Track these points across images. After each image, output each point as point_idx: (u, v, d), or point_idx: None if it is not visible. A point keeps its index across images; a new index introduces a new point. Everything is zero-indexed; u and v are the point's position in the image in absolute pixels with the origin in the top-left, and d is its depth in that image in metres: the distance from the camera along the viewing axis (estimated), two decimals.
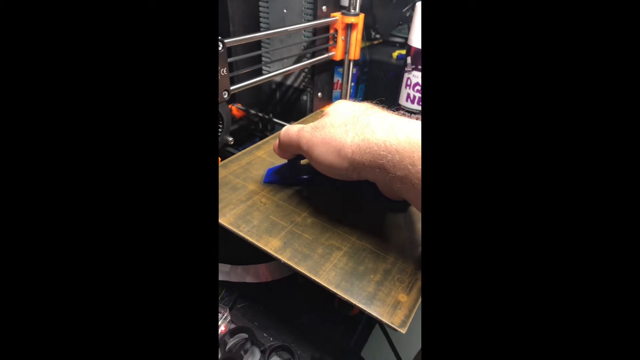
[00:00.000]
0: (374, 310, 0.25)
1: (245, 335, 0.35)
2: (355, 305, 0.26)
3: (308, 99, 0.58)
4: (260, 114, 0.60)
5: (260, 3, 0.55)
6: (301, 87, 0.58)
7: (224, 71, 0.35)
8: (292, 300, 0.40)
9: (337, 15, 0.51)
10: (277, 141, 0.34)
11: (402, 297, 0.26)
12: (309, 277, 0.27)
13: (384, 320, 0.24)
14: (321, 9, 0.49)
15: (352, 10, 0.50)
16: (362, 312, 0.26)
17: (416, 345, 0.34)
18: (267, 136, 0.50)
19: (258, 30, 0.57)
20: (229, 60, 0.36)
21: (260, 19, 0.56)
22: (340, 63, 0.55)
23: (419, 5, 0.52)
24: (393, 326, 0.24)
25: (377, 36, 0.79)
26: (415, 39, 0.52)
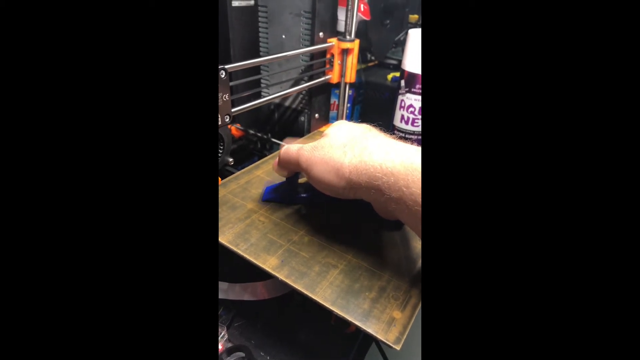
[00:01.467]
0: (369, 327, 0.26)
1: (242, 354, 0.35)
2: (351, 322, 0.26)
3: (305, 120, 0.59)
4: (259, 134, 0.61)
5: (260, 29, 0.57)
6: (299, 108, 0.60)
7: (226, 97, 0.37)
8: (289, 318, 0.40)
9: (333, 41, 0.53)
10: (277, 159, 0.35)
11: (397, 314, 0.27)
12: (306, 294, 0.28)
13: (379, 337, 0.25)
14: (318, 35, 0.52)
15: (348, 37, 0.52)
16: (358, 330, 0.26)
17: None
18: (265, 155, 0.51)
19: (258, 54, 0.59)
20: (230, 84, 0.38)
21: (260, 43, 0.58)
22: (337, 85, 0.57)
23: (411, 32, 0.54)
24: (388, 343, 0.25)
25: (373, 58, 0.82)
26: (409, 64, 0.54)
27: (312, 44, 0.52)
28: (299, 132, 0.61)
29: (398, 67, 0.67)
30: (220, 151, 0.42)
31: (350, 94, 0.70)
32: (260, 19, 0.56)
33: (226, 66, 0.36)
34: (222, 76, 0.36)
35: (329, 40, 0.53)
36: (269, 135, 0.60)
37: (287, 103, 0.61)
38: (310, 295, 0.28)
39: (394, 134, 0.62)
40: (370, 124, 0.33)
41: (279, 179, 0.43)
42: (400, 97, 0.58)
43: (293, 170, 0.35)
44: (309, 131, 0.60)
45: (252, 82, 0.54)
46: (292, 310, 0.40)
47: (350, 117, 0.73)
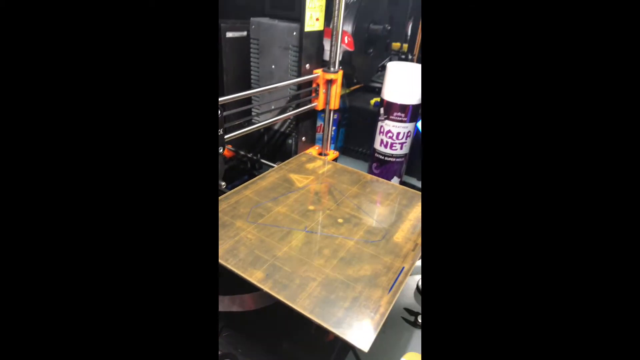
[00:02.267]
0: (341, 332, 0.29)
1: None
2: (326, 328, 0.30)
3: (293, 142, 0.64)
4: (249, 155, 0.65)
5: (252, 59, 0.62)
6: (287, 131, 0.64)
7: (220, 131, 0.41)
8: (274, 328, 0.43)
9: (319, 72, 0.58)
10: None
11: (366, 321, 0.31)
12: (287, 304, 0.32)
13: (349, 340, 0.29)
14: (305, 67, 0.57)
15: (332, 68, 0.58)
16: (336, 338, 0.30)
17: None
18: (255, 175, 0.55)
19: (249, 81, 0.64)
20: (224, 113, 0.42)
21: (251, 72, 0.63)
22: (323, 111, 0.62)
23: (389, 65, 0.60)
24: (356, 345, 0.28)
25: (357, 82, 0.88)
26: (387, 94, 0.60)
27: (299, 75, 0.57)
28: (287, 154, 0.65)
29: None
30: None
31: (335, 118, 0.75)
32: (252, 50, 0.61)
33: (220, 99, 0.40)
34: (219, 115, 0.40)
35: (314, 71, 0.58)
36: (259, 156, 0.64)
37: (275, 127, 0.65)
38: (291, 305, 0.32)
39: (374, 156, 0.67)
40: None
41: (266, 197, 0.47)
42: (380, 123, 0.63)
43: None
44: (296, 153, 0.64)
45: (244, 109, 0.58)
46: (277, 321, 0.44)
47: (335, 140, 0.78)
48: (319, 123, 0.69)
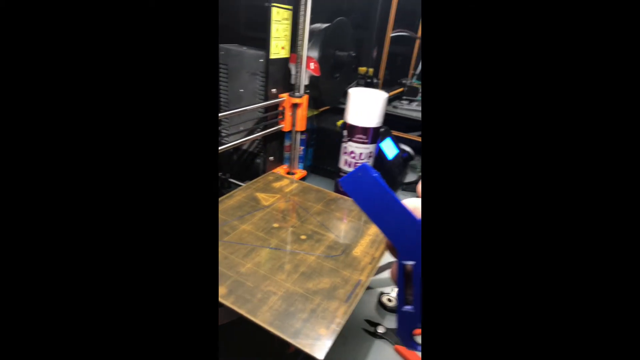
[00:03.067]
0: (297, 342, 0.31)
1: None
2: (284, 339, 0.32)
3: (261, 162, 0.66)
4: (218, 175, 0.67)
5: (221, 83, 0.65)
6: (255, 151, 0.67)
7: None
8: (239, 343, 0.44)
9: (285, 96, 0.61)
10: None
11: (323, 331, 0.33)
12: (248, 318, 0.33)
13: (305, 349, 0.31)
14: (271, 91, 0.60)
15: (297, 93, 0.61)
16: (297, 351, 0.32)
17: None
18: (223, 194, 0.57)
19: (218, 102, 0.66)
20: None
21: (221, 95, 0.65)
22: (290, 132, 0.65)
23: (351, 91, 0.64)
24: (312, 354, 0.30)
25: (325, 104, 0.92)
26: (350, 118, 0.64)
27: (266, 99, 0.60)
28: (255, 173, 0.67)
29: None
30: None
31: (303, 138, 0.78)
32: (221, 75, 0.64)
33: None
34: None
35: (281, 95, 0.62)
36: (228, 175, 0.66)
37: (244, 147, 0.68)
38: (252, 318, 0.33)
39: (339, 175, 0.70)
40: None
41: (232, 216, 0.49)
42: (343, 144, 0.66)
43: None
44: (264, 172, 0.66)
45: None
46: (242, 336, 0.45)
47: (304, 159, 0.81)
48: (287, 143, 0.72)
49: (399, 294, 0.18)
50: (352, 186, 0.19)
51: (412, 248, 0.17)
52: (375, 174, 0.18)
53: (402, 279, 0.18)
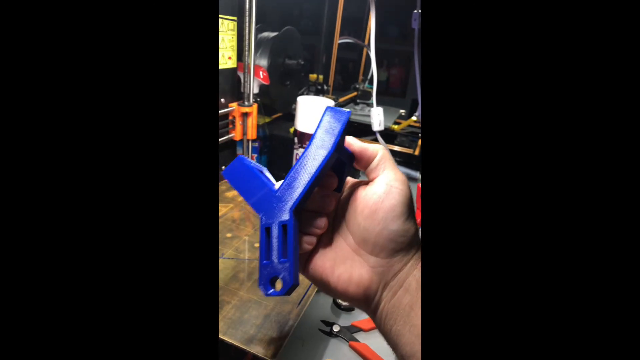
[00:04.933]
0: (252, 348, 0.32)
1: None
2: (238, 346, 0.33)
3: None
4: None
5: None
6: None
7: None
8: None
9: (234, 106, 0.62)
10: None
11: (275, 334, 0.34)
12: None
13: (256, 353, 0.32)
14: (220, 101, 0.60)
15: (247, 102, 0.62)
16: (255, 358, 0.33)
17: None
18: None
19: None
20: None
21: None
22: (241, 141, 0.66)
23: (300, 99, 0.66)
24: (263, 357, 0.32)
25: (277, 110, 0.93)
26: (299, 124, 0.66)
27: None
28: None
29: None
30: None
31: (255, 146, 0.79)
32: None
33: None
34: None
35: (230, 105, 0.62)
36: None
37: None
38: None
39: None
40: None
41: None
42: (295, 151, 0.68)
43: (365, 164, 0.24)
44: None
45: None
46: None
47: None
48: (239, 151, 0.73)
49: (261, 251, 0.22)
50: (230, 173, 0.24)
51: (271, 212, 0.21)
52: (248, 161, 0.24)
53: (264, 239, 0.21)
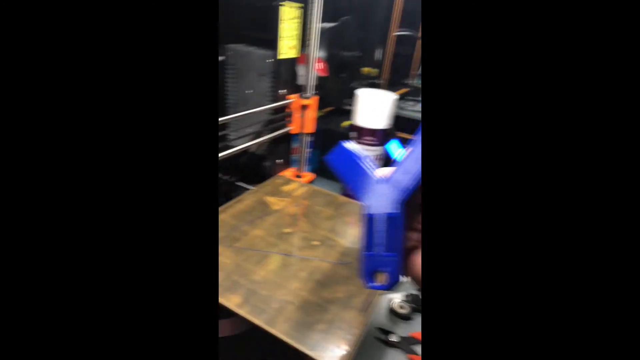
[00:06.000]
0: (317, 355, 0.30)
1: None
2: (302, 351, 0.31)
3: (269, 165, 0.65)
4: (225, 178, 0.66)
5: (227, 84, 0.63)
6: (263, 154, 0.66)
7: None
8: (249, 354, 0.43)
9: (294, 97, 0.60)
10: None
11: (342, 343, 0.32)
12: (265, 328, 0.33)
13: None
14: (280, 92, 0.59)
15: (307, 94, 0.60)
16: None
17: None
18: (232, 198, 0.56)
19: (223, 105, 0.65)
20: None
21: (228, 96, 0.64)
22: (297, 134, 0.64)
23: (359, 92, 0.63)
24: None
25: (330, 104, 0.91)
26: (358, 119, 0.63)
27: (274, 100, 0.59)
28: (263, 176, 0.66)
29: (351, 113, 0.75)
30: None
31: (310, 140, 0.77)
32: (228, 76, 0.62)
33: None
34: None
35: (289, 96, 0.60)
36: (235, 178, 0.65)
37: (251, 150, 0.66)
38: (270, 329, 0.32)
39: None
40: None
41: (242, 220, 0.48)
42: None
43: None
44: (272, 175, 0.65)
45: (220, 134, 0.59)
46: (252, 346, 0.44)
47: (311, 161, 0.80)
48: (295, 145, 0.71)
49: (364, 241, 0.21)
50: (334, 159, 0.23)
51: (377, 201, 0.21)
52: (349, 148, 0.23)
53: (369, 229, 0.21)
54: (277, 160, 0.64)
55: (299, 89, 0.62)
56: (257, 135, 0.61)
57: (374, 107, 0.61)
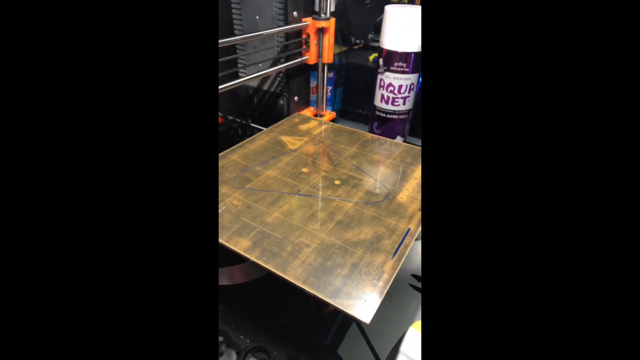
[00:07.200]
0: (338, 303, 0.25)
1: (220, 338, 0.35)
2: (321, 299, 0.26)
3: (285, 103, 0.58)
4: (238, 120, 0.60)
5: (233, 10, 0.55)
6: (277, 91, 0.59)
7: None
8: (269, 301, 0.40)
9: (308, 20, 0.52)
10: None
11: (369, 289, 0.27)
12: (276, 274, 0.28)
13: (348, 311, 0.25)
14: (292, 15, 0.50)
15: (323, 15, 0.51)
16: (337, 310, 0.26)
17: (392, 341, 0.34)
18: (243, 140, 0.50)
19: (232, 34, 0.58)
20: None
21: (234, 25, 0.56)
22: (315, 67, 0.56)
23: (388, 8, 0.53)
24: (356, 316, 0.24)
25: (357, 41, 0.81)
26: (387, 41, 0.53)
27: (286, 24, 0.51)
28: (278, 115, 0.60)
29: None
30: None
31: (330, 76, 0.69)
32: (232, 1, 0.54)
33: None
34: None
35: (303, 20, 0.52)
36: (249, 120, 0.59)
37: (265, 87, 0.60)
38: (281, 274, 0.28)
39: (375, 114, 0.61)
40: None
41: (255, 161, 0.42)
42: (379, 77, 0.57)
43: None
44: (289, 114, 0.59)
45: (228, 64, 0.52)
46: (272, 293, 0.40)
47: (332, 100, 0.72)
48: (313, 84, 0.63)
49: None
50: None
51: None
52: None
53: None
54: (293, 98, 0.57)
55: (314, 15, 0.53)
56: (272, 64, 0.53)
57: (405, 26, 0.51)
